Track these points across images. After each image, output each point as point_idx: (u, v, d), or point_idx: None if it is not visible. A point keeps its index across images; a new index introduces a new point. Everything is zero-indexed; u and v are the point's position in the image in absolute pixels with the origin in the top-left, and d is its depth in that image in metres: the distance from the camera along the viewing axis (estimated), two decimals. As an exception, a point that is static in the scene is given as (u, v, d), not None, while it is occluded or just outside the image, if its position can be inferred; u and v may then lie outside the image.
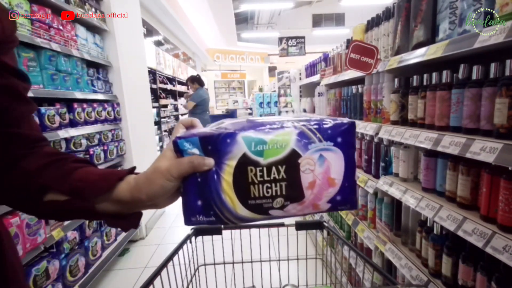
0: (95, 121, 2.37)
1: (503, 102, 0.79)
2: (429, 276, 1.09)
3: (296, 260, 0.92)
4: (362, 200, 1.71)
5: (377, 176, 1.57)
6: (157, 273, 0.65)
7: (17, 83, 0.46)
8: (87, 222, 2.19)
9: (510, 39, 0.72)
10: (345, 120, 0.43)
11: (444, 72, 1.07)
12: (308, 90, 3.36)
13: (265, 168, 0.41)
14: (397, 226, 1.42)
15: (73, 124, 2.12)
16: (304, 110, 3.18)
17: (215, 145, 0.41)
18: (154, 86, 4.82)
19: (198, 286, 0.85)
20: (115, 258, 2.52)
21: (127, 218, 0.47)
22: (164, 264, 0.68)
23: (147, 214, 3.17)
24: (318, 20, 15.83)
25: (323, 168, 0.41)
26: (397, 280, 1.37)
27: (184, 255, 0.75)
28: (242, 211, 0.42)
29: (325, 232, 0.91)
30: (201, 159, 0.41)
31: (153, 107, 4.45)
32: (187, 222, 0.44)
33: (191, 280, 0.81)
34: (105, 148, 2.47)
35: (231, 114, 11.50)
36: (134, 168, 0.49)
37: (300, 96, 3.54)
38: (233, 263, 0.91)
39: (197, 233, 0.85)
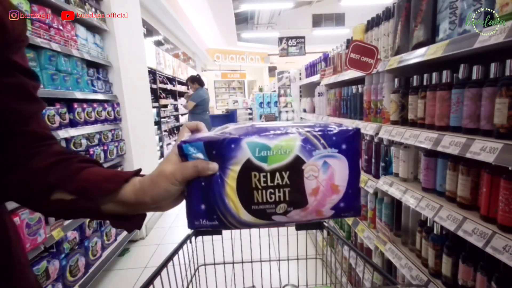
0: (95, 121, 2.37)
1: (503, 102, 0.79)
2: (429, 276, 1.09)
3: (296, 260, 0.91)
4: (362, 200, 1.71)
5: (377, 176, 1.57)
6: (157, 273, 0.65)
7: (27, 82, 0.46)
8: (87, 222, 2.19)
9: (510, 39, 0.72)
10: (350, 126, 0.43)
11: (444, 72, 1.07)
12: (308, 90, 3.36)
13: (268, 174, 0.41)
14: (397, 226, 1.42)
15: (73, 124, 2.12)
16: (304, 110, 3.18)
17: (219, 150, 0.41)
18: (154, 86, 4.82)
19: (198, 286, 0.85)
20: (115, 258, 2.52)
21: (131, 219, 0.48)
22: (164, 264, 0.68)
23: (147, 214, 3.17)
24: (318, 20, 15.83)
25: (327, 174, 0.41)
26: (397, 280, 1.37)
27: (184, 255, 0.75)
28: (245, 216, 0.42)
29: (325, 232, 0.91)
30: (205, 163, 0.42)
31: (153, 107, 4.44)
32: (191, 225, 0.45)
33: (191, 280, 0.81)
34: (105, 148, 2.48)
35: (231, 114, 11.51)
36: (139, 170, 0.49)
37: (300, 96, 3.54)
38: (233, 263, 0.91)
39: (197, 233, 0.85)
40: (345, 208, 0.43)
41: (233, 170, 0.41)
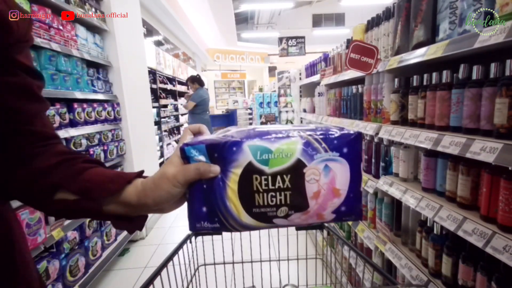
0: (95, 121, 2.37)
1: (503, 102, 0.79)
2: (429, 276, 1.09)
3: (296, 260, 0.92)
4: (362, 200, 1.71)
5: (377, 176, 1.57)
6: (157, 273, 0.65)
7: (31, 81, 0.47)
8: (87, 222, 2.19)
9: (510, 39, 0.72)
10: (352, 130, 0.43)
11: (444, 72, 1.07)
12: (308, 90, 3.36)
13: (270, 177, 0.41)
14: (397, 226, 1.42)
15: (73, 124, 2.12)
16: (304, 110, 3.18)
17: (221, 153, 0.42)
18: (154, 86, 4.82)
19: (198, 286, 0.85)
20: (115, 258, 2.52)
21: (133, 220, 0.48)
22: (164, 264, 0.68)
23: (148, 215, 3.17)
24: (318, 20, 15.83)
25: (328, 178, 0.41)
26: (397, 280, 1.37)
27: (184, 255, 0.75)
28: (246, 218, 0.43)
29: (325, 232, 0.91)
30: (207, 166, 0.42)
31: (153, 107, 4.44)
32: (192, 228, 0.45)
33: (191, 280, 0.81)
34: (105, 148, 2.47)
35: (231, 114, 11.51)
36: (142, 171, 0.49)
37: (300, 96, 3.54)
38: (233, 263, 0.91)
39: (197, 233, 0.85)
40: (346, 212, 0.43)
41: (235, 173, 0.41)
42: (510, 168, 0.80)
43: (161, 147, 5.02)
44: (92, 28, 2.49)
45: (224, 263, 0.92)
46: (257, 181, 0.41)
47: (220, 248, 0.91)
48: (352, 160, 0.42)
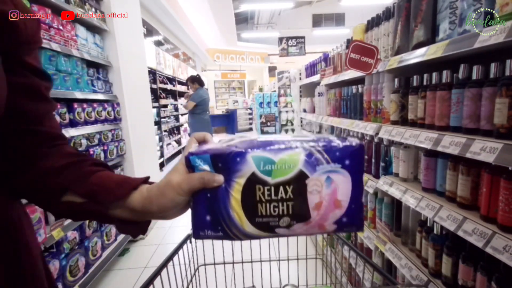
0: (95, 121, 2.37)
1: (503, 102, 0.79)
2: (429, 276, 1.09)
3: (296, 260, 0.92)
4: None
5: (377, 176, 1.57)
6: (157, 273, 0.65)
7: (39, 82, 0.47)
8: (87, 222, 2.19)
9: (510, 39, 0.72)
10: (354, 142, 0.43)
11: (444, 72, 1.07)
12: (308, 90, 3.36)
13: (272, 188, 0.42)
14: (397, 226, 1.42)
15: (73, 124, 2.12)
16: (304, 110, 3.18)
17: (225, 163, 0.42)
18: (154, 86, 4.82)
19: (198, 286, 0.85)
20: (115, 258, 2.52)
21: (136, 225, 0.49)
22: (164, 264, 0.68)
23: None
24: (318, 20, 15.84)
25: (330, 189, 0.42)
26: (397, 280, 1.37)
27: (184, 255, 0.75)
28: (249, 228, 0.43)
29: (325, 232, 0.91)
30: (211, 175, 0.43)
31: (153, 107, 4.44)
32: (196, 236, 0.46)
33: (191, 280, 0.81)
34: (105, 148, 2.47)
35: (231, 114, 11.52)
36: (148, 177, 0.50)
37: (300, 96, 3.54)
38: (233, 263, 0.91)
39: (197, 233, 0.85)
40: (347, 223, 0.43)
41: (238, 183, 0.42)
42: (510, 168, 0.80)
43: (161, 147, 5.02)
44: (92, 28, 2.49)
45: (224, 263, 0.92)
46: (260, 191, 0.42)
47: (220, 248, 0.91)
48: (354, 172, 0.42)
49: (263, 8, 12.70)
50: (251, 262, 0.89)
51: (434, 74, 1.11)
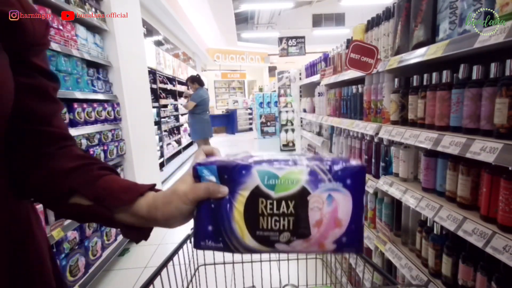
0: (95, 121, 2.37)
1: (503, 102, 0.79)
2: (429, 276, 1.09)
3: (296, 260, 0.91)
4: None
5: (377, 176, 1.57)
6: (157, 273, 0.65)
7: (46, 83, 0.48)
8: (87, 222, 2.19)
9: (510, 39, 0.72)
10: (355, 163, 0.44)
11: (444, 72, 1.07)
12: (308, 90, 3.36)
13: (275, 202, 0.43)
14: (397, 226, 1.42)
15: (73, 124, 2.12)
16: (304, 110, 3.18)
17: (231, 175, 0.44)
18: (154, 86, 4.82)
19: (198, 286, 0.85)
20: (115, 258, 2.52)
21: (140, 230, 0.50)
22: (164, 264, 0.68)
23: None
24: (318, 20, 15.83)
25: (331, 207, 0.43)
26: (397, 280, 1.37)
27: (184, 255, 0.75)
28: (249, 241, 0.44)
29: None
30: (216, 186, 0.44)
31: (153, 107, 4.45)
32: (197, 245, 0.47)
33: (191, 280, 0.81)
34: (105, 148, 2.47)
35: (231, 114, 11.52)
36: (154, 185, 0.51)
37: (300, 96, 3.54)
38: (233, 263, 0.91)
39: (197, 233, 0.85)
40: (347, 243, 0.44)
41: (242, 195, 0.43)
42: (510, 168, 0.80)
43: (161, 147, 5.03)
44: (92, 28, 2.49)
45: (224, 263, 0.92)
46: (262, 205, 0.43)
47: (220, 248, 0.91)
48: (355, 192, 0.43)
49: (263, 8, 12.70)
50: (251, 262, 0.88)
51: (434, 74, 1.11)
